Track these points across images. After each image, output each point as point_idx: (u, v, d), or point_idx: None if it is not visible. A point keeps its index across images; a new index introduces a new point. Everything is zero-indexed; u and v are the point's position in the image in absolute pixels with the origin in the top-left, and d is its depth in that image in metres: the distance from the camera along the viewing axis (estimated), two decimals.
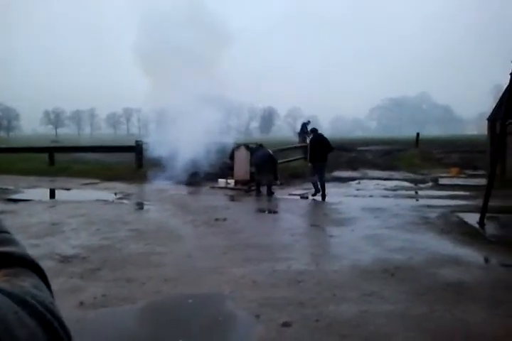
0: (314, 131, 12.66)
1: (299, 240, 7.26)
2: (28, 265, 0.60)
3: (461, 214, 8.96)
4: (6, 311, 0.47)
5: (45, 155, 18.44)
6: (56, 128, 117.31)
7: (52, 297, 0.59)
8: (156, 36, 13.97)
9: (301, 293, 4.91)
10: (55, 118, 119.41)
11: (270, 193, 12.11)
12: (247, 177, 13.71)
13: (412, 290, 5.03)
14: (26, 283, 0.55)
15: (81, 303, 4.59)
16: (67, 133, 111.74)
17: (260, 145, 13.26)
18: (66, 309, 4.40)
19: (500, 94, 13.99)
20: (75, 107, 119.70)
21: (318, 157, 11.88)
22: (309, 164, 12.23)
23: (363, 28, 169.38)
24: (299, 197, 12.07)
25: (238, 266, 5.90)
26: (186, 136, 13.08)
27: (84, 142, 35.64)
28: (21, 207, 10.23)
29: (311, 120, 26.49)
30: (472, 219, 8.38)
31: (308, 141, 13.80)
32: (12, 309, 0.48)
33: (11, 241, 0.61)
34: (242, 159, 13.80)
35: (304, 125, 24.89)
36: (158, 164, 13.89)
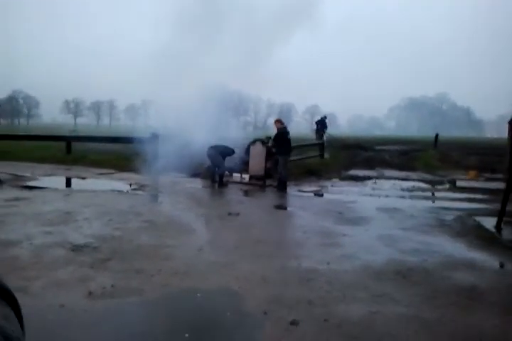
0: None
1: (311, 238, 7.18)
2: None
3: (478, 218, 8.79)
4: None
5: (63, 144, 18.57)
6: (75, 117, 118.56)
7: (23, 328, 0.52)
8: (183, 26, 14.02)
9: (311, 292, 4.85)
10: (74, 107, 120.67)
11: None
12: (262, 172, 13.66)
13: (424, 293, 4.93)
14: None
15: (90, 293, 4.58)
16: (86, 123, 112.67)
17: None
18: (75, 298, 4.41)
19: None
20: (95, 98, 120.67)
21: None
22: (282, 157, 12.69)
23: (385, 27, 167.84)
24: (312, 195, 12.00)
25: (249, 262, 5.85)
26: (202, 130, 13.06)
27: (103, 132, 35.79)
28: (36, 195, 10.31)
29: (327, 115, 26.37)
30: (489, 223, 8.23)
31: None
32: None
33: None
34: (258, 154, 13.75)
35: (322, 120, 24.69)
36: (173, 156, 13.88)
